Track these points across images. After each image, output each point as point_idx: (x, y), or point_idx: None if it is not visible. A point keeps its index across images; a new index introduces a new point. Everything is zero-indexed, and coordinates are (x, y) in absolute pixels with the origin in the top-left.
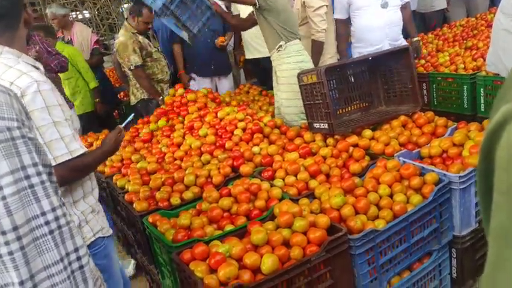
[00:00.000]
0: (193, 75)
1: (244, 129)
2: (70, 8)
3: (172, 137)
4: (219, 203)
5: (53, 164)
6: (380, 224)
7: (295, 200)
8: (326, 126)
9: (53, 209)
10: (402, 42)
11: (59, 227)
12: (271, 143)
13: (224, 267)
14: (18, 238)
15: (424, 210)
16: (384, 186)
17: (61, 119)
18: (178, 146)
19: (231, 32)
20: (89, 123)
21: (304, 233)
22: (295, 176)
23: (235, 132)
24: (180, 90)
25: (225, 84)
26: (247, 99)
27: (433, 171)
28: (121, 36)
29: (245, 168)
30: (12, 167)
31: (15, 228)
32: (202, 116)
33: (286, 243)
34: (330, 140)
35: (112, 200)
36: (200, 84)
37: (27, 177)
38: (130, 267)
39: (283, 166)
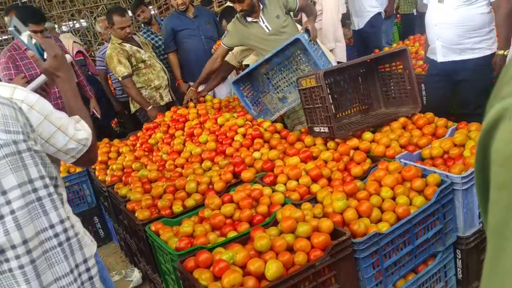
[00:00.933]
0: (191, 83)
1: (244, 135)
2: (67, 16)
3: (173, 144)
4: (221, 209)
5: (73, 161)
6: (384, 227)
7: (297, 205)
8: (326, 129)
9: (62, 221)
10: (476, 51)
11: (68, 238)
12: (271, 148)
13: (228, 275)
14: (28, 252)
15: (427, 212)
16: (386, 188)
17: (63, 119)
18: (179, 153)
19: None
20: None
21: (308, 238)
22: (297, 180)
23: (235, 138)
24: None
25: (223, 90)
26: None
27: (435, 172)
28: (108, 49)
29: (246, 174)
30: (20, 181)
31: (24, 242)
32: (202, 123)
33: (290, 249)
34: (330, 144)
35: (113, 209)
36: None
37: (35, 190)
38: (138, 276)
39: (284, 171)
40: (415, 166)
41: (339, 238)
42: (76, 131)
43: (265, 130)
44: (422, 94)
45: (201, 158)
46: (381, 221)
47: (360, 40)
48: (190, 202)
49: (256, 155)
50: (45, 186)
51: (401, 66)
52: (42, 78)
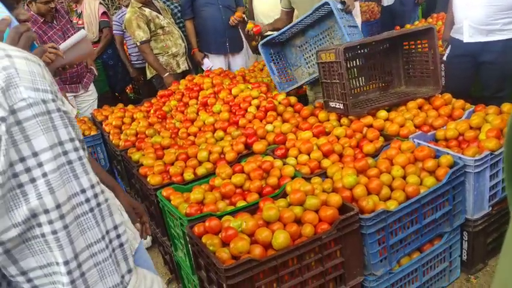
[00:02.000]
0: (207, 52)
1: (258, 107)
2: None
3: (186, 112)
4: (231, 179)
5: None
6: (392, 205)
7: (307, 179)
8: (342, 106)
9: (92, 186)
10: (505, 32)
11: (99, 204)
12: (284, 121)
13: (236, 242)
14: (62, 217)
15: (437, 193)
16: (397, 167)
17: None
18: (192, 121)
19: (242, 7)
20: (104, 101)
21: (316, 211)
22: (308, 155)
23: (248, 110)
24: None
25: (238, 61)
26: (261, 76)
27: (448, 153)
28: (127, 13)
29: (258, 146)
30: (51, 142)
31: (58, 206)
32: (216, 93)
33: (298, 221)
34: (344, 120)
35: (126, 172)
36: (214, 61)
37: (65, 153)
38: (148, 239)
39: (296, 145)
40: (428, 146)
41: (347, 213)
42: None
43: (279, 103)
44: (442, 74)
45: (213, 128)
46: (390, 199)
47: (388, 16)
48: (201, 170)
49: (269, 127)
50: (76, 149)
51: (426, 45)
52: (76, 37)
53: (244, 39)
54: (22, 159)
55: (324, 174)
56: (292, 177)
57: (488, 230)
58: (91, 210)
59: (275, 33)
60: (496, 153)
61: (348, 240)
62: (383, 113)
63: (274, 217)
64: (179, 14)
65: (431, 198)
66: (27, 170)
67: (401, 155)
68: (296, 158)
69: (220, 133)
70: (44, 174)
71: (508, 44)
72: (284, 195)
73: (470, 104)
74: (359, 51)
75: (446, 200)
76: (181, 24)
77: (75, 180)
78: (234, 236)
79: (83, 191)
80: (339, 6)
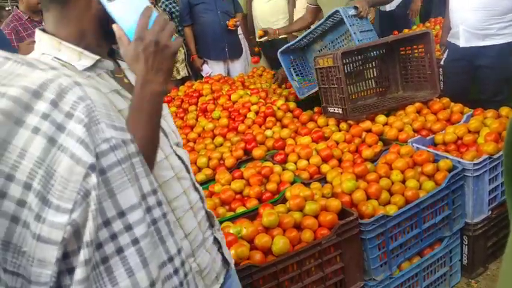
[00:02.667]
0: (206, 59)
1: (257, 113)
2: None
3: (185, 119)
4: (231, 185)
5: None
6: (392, 210)
7: (307, 184)
8: (340, 111)
9: (179, 251)
10: (500, 36)
11: (186, 274)
12: (283, 126)
13: (236, 248)
14: None
15: (436, 197)
16: (396, 172)
17: None
18: (191, 128)
19: (241, 13)
20: None
21: (316, 217)
22: (308, 160)
23: (248, 115)
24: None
25: (237, 67)
26: (260, 82)
27: (447, 158)
28: None
29: (257, 152)
30: (138, 197)
31: (152, 285)
32: (215, 99)
33: (297, 226)
34: (343, 125)
35: None
36: (213, 67)
37: (149, 209)
38: None
39: (295, 150)
40: (427, 151)
41: (346, 218)
42: None
43: (278, 109)
44: (440, 79)
45: (213, 134)
46: (390, 203)
47: (387, 22)
48: (200, 176)
49: (268, 133)
50: (159, 204)
51: (423, 50)
52: None
53: (243, 44)
54: (107, 223)
55: (323, 180)
56: (292, 183)
57: (488, 233)
58: (181, 284)
59: (296, 40)
60: (495, 157)
61: (348, 245)
62: (381, 118)
63: (273, 223)
64: (179, 19)
65: (431, 202)
66: (113, 237)
67: (400, 159)
68: (295, 163)
69: (219, 139)
70: (135, 241)
71: (504, 48)
72: (283, 200)
73: (469, 108)
74: (356, 57)
75: (446, 204)
76: (180, 27)
77: (161, 245)
78: (234, 242)
79: (170, 259)
80: (352, 12)
